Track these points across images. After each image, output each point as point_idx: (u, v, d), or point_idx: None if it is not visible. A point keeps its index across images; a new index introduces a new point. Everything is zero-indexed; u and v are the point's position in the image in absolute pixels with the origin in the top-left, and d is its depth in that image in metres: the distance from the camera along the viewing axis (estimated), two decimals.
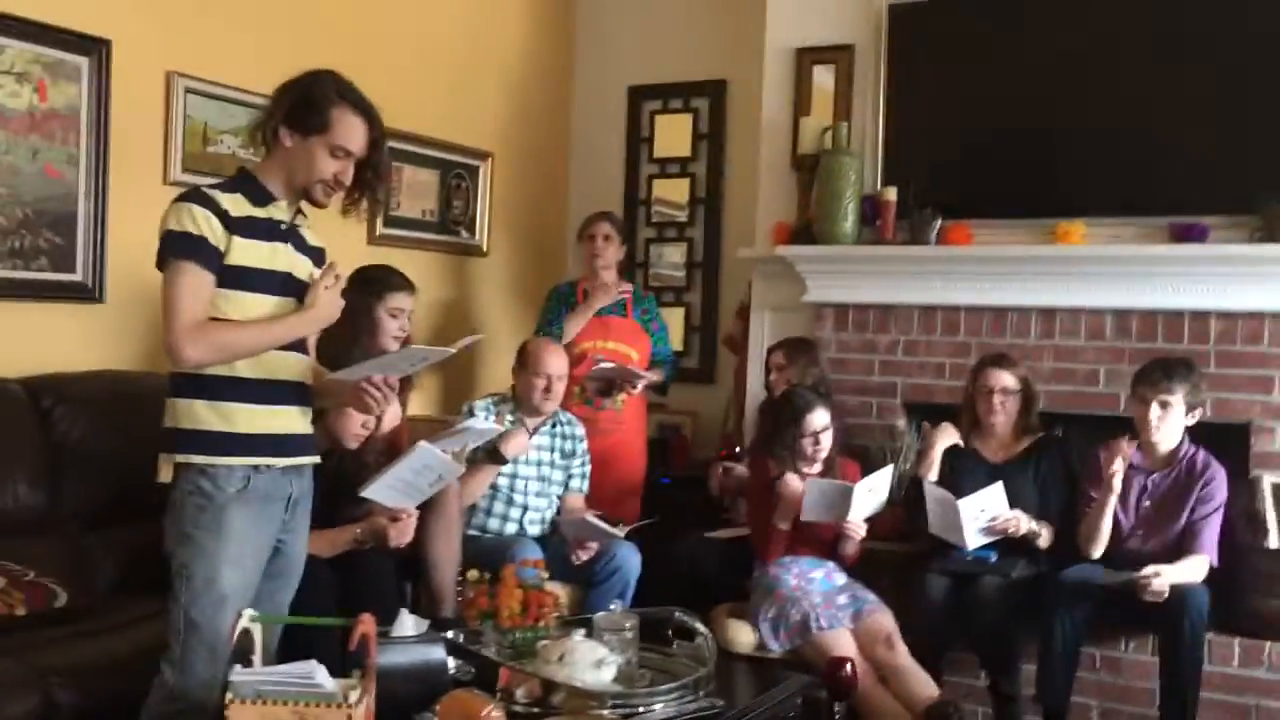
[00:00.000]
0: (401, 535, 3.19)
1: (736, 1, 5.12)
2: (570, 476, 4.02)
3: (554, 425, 3.99)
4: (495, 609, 2.86)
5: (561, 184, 5.65)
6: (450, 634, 2.67)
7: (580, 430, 4.07)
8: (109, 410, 3.35)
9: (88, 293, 3.57)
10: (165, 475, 2.43)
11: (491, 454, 3.71)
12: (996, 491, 3.60)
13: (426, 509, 3.28)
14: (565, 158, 5.67)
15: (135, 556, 3.21)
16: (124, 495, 3.27)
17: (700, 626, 2.99)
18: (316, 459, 2.62)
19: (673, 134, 5.44)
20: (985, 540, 3.63)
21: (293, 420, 2.53)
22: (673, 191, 5.47)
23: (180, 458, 2.41)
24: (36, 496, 3.17)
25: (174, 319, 2.35)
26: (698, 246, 5.41)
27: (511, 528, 3.87)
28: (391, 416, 3.31)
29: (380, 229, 4.60)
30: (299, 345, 2.55)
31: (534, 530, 3.91)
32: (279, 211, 2.52)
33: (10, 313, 3.38)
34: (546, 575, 3.17)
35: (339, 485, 3.08)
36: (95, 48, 3.52)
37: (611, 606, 3.00)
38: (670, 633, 3.03)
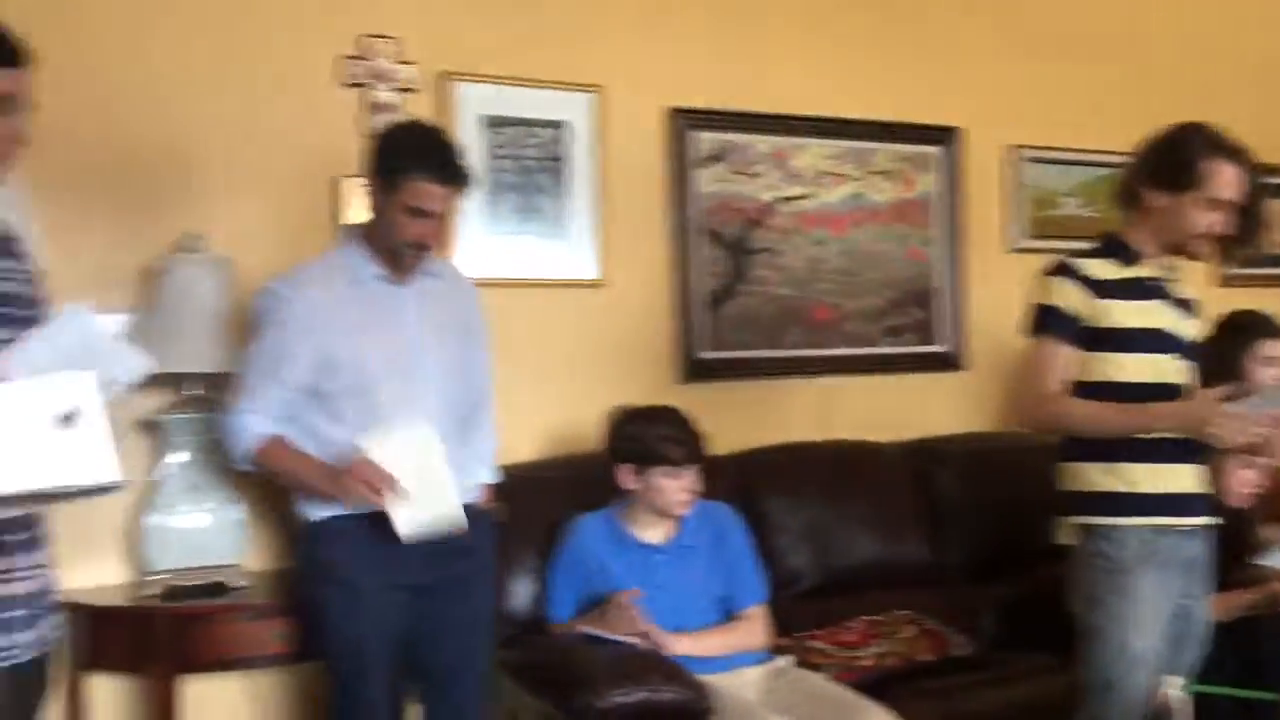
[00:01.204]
0: None
1: None
2: None
3: None
4: None
5: None
6: None
7: None
8: (978, 470, 3.56)
9: (950, 361, 3.86)
10: (1064, 538, 2.51)
11: None
12: None
13: None
14: None
15: (1012, 610, 3.34)
16: (998, 550, 3.45)
17: None
18: (1218, 519, 2.53)
19: None
20: None
21: (1190, 479, 2.48)
22: None
23: (1078, 520, 2.47)
24: (920, 549, 3.45)
25: (1024, 389, 2.52)
26: None
27: None
28: None
29: (1230, 269, 4.32)
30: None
31: None
32: (1149, 269, 2.52)
33: (888, 385, 3.77)
34: None
35: (1225, 546, 2.92)
36: (947, 137, 3.85)
37: None
38: None
